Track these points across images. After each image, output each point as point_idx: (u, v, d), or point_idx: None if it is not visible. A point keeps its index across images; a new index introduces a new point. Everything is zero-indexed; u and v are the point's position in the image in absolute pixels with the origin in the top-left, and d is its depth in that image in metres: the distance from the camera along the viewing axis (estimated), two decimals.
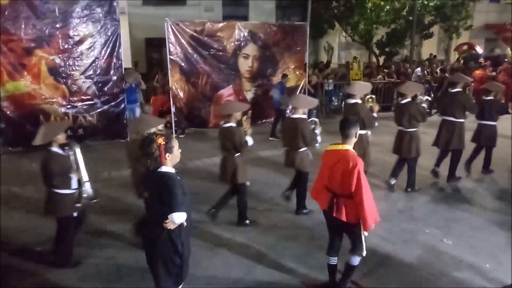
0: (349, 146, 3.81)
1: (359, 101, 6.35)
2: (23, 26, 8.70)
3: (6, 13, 8.52)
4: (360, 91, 6.43)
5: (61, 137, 4.40)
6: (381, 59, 20.60)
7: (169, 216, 2.98)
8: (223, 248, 5.00)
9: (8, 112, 8.91)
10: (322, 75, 13.74)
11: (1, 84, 8.74)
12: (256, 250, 4.96)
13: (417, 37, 20.56)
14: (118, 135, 9.92)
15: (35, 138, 4.27)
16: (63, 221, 4.46)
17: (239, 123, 5.45)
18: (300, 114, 5.68)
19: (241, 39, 10.82)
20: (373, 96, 6.94)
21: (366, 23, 18.99)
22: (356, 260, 3.95)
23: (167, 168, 3.12)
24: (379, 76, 14.35)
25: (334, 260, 4.11)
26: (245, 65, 11.03)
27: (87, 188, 4.52)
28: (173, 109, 10.33)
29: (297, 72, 11.67)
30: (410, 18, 18.88)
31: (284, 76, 11.04)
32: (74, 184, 4.43)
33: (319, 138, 5.81)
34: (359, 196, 3.62)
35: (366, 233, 3.82)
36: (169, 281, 3.21)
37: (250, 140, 5.40)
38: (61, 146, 4.42)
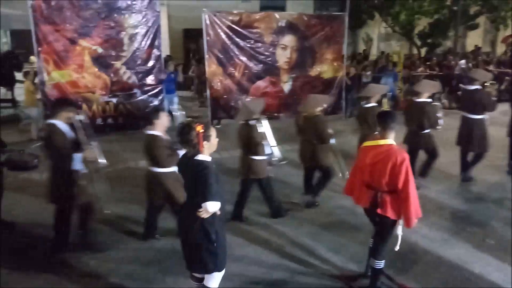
0: (391, 141, 3.69)
1: (480, 87, 6.59)
2: (68, 16, 9.00)
3: (52, 4, 8.84)
4: (482, 77, 6.73)
5: (258, 114, 5.25)
6: (423, 51, 19.94)
7: (202, 205, 3.02)
8: (257, 238, 5.03)
9: (53, 100, 9.27)
10: (360, 67, 13.46)
11: (47, 73, 9.10)
12: (291, 241, 4.96)
13: (461, 28, 19.78)
14: None
15: (237, 116, 5.25)
16: (264, 182, 5.34)
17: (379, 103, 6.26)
18: (425, 98, 6.22)
19: (279, 30, 10.74)
20: (494, 82, 7.24)
21: (408, 13, 18.39)
22: (379, 264, 3.86)
23: (204, 156, 3.13)
24: (420, 69, 13.91)
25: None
26: (283, 56, 10.94)
27: (276, 152, 5.42)
28: (209, 100, 10.42)
29: (334, 64, 11.48)
30: (455, 8, 18.17)
31: (394, 64, 11.57)
32: (268, 150, 5.24)
33: (441, 121, 6.30)
34: (406, 192, 3.52)
35: (400, 232, 3.74)
36: (202, 268, 3.25)
37: None
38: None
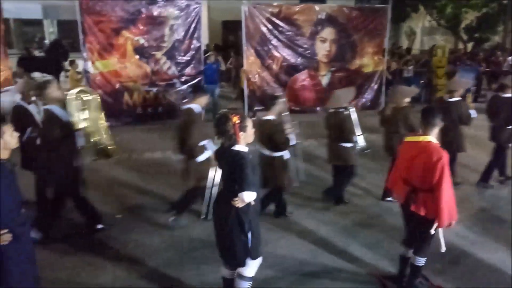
0: (431, 138, 3.59)
1: None
2: (112, 8, 9.26)
3: None
4: None
5: (347, 102, 5.50)
6: (469, 46, 19.14)
7: (239, 194, 3.05)
8: (292, 230, 5.03)
9: (96, 89, 9.58)
10: (402, 62, 13.09)
11: (92, 62, 9.42)
12: (325, 235, 4.93)
13: (511, 22, 18.83)
14: None
15: (331, 101, 5.42)
16: (351, 168, 5.52)
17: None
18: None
19: (318, 23, 10.61)
20: None
21: (454, 6, 17.69)
22: (421, 261, 3.78)
23: (240, 146, 3.16)
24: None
25: (408, 252, 3.95)
26: (322, 49, 10.83)
27: (361, 141, 5.59)
28: (246, 91, 10.46)
29: (375, 58, 11.24)
30: (504, 1, 17.31)
31: (472, 59, 11.70)
32: (355, 138, 5.45)
33: None
34: (438, 191, 3.42)
35: (441, 233, 3.65)
36: (236, 257, 3.28)
37: (474, 113, 5.97)
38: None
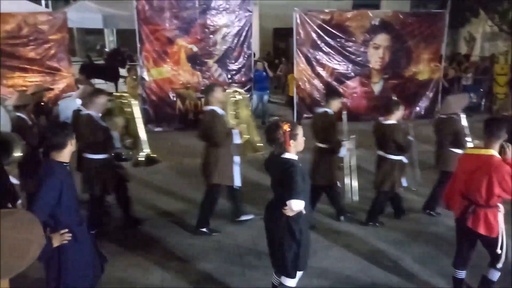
0: (494, 151, 3.39)
1: None
2: (167, 17, 9.59)
3: (154, 5, 9.48)
4: None
5: (459, 109, 5.43)
6: None
7: (287, 203, 3.02)
8: (340, 242, 4.92)
9: (151, 95, 9.94)
10: (461, 68, 12.51)
11: (147, 69, 9.78)
12: (375, 249, 4.78)
13: None
14: None
15: (444, 107, 5.52)
16: (447, 175, 5.20)
17: None
18: None
19: (372, 29, 10.39)
20: None
21: None
22: (495, 275, 3.56)
23: (290, 154, 3.15)
24: None
25: (461, 274, 3.74)
26: (375, 55, 10.58)
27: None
28: (296, 99, 10.42)
29: (431, 65, 10.82)
30: None
31: None
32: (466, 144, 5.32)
33: None
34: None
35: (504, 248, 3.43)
36: (285, 266, 3.25)
37: None
38: None
